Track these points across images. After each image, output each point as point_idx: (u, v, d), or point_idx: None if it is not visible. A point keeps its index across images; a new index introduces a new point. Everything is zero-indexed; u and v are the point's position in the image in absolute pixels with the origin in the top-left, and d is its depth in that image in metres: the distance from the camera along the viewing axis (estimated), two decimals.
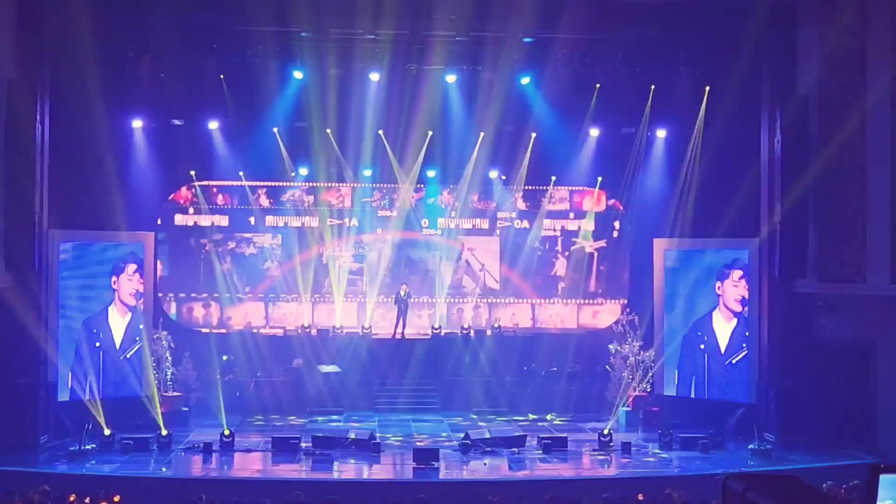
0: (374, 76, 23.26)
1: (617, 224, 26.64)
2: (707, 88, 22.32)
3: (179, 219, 25.90)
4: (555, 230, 26.85)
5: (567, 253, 26.83)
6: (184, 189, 25.77)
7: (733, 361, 22.03)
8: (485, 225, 26.85)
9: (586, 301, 26.77)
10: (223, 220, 26.09)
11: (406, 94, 23.39)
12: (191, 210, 25.90)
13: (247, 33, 21.72)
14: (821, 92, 20.13)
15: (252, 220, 26.12)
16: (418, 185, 26.43)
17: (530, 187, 26.55)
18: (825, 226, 20.17)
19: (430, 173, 26.05)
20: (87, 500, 14.95)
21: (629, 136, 24.39)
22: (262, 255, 26.29)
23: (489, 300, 26.85)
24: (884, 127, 19.22)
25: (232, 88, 22.89)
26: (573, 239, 26.79)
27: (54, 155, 20.54)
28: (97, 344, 21.54)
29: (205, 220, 25.93)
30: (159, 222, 25.29)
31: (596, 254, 26.78)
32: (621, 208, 26.41)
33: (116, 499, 15.36)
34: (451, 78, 23.48)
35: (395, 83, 23.34)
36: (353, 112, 23.82)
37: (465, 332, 25.39)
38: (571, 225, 26.84)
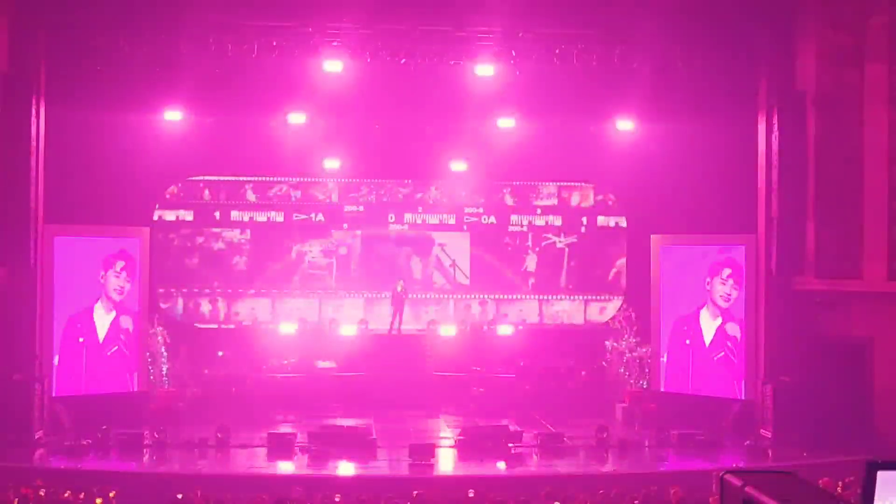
0: (369, 70, 23.13)
1: (585, 220, 26.59)
2: (704, 83, 22.22)
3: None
4: (522, 226, 26.79)
5: (538, 249, 26.81)
6: (172, 186, 25.72)
7: (714, 358, 22.08)
8: (452, 220, 26.78)
9: (594, 297, 26.69)
10: (188, 215, 25.93)
11: (400, 88, 23.27)
12: (156, 206, 25.72)
13: (244, 27, 21.62)
14: (819, 88, 20.11)
15: (217, 214, 25.99)
16: (406, 181, 26.40)
17: (518, 183, 26.53)
18: (823, 222, 20.16)
19: (424, 169, 25.95)
20: (82, 496, 14.90)
21: (626, 131, 24.33)
22: (230, 251, 26.18)
23: (496, 296, 26.77)
24: (882, 123, 19.21)
25: (228, 83, 22.75)
26: (544, 234, 26.76)
27: (50, 149, 20.48)
28: (80, 339, 21.47)
29: (169, 215, 25.77)
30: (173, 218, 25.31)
31: (567, 249, 26.75)
32: (610, 204, 26.41)
33: (112, 494, 15.32)
34: (446, 71, 23.33)
35: (390, 77, 23.23)
36: (347, 107, 23.73)
37: (462, 327, 25.36)
38: (539, 220, 26.76)
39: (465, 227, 26.75)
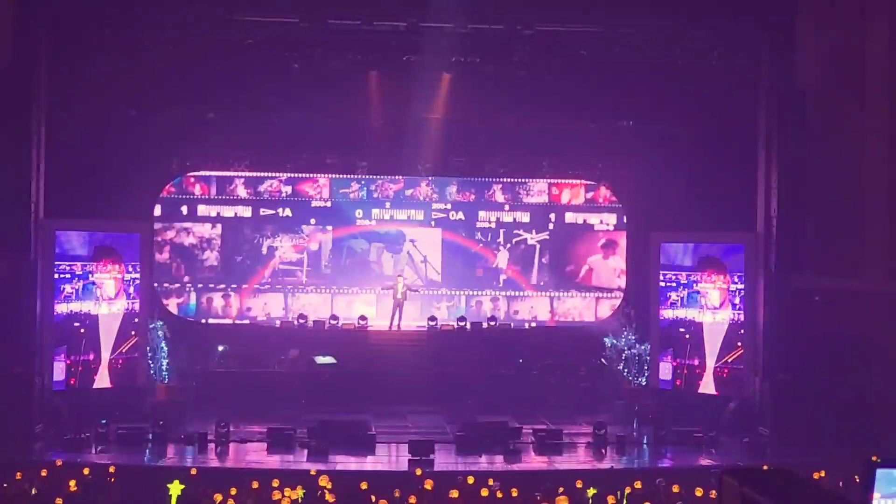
0: (370, 67, 23.15)
1: (553, 216, 26.57)
2: (704, 81, 22.26)
3: None
4: (490, 222, 26.74)
5: (509, 245, 26.76)
6: (172, 181, 25.71)
7: (728, 360, 22.11)
8: (420, 216, 26.73)
9: (604, 294, 26.64)
10: (157, 210, 25.68)
11: (399, 85, 23.27)
12: (157, 200, 25.59)
13: (244, 23, 21.64)
14: (819, 86, 20.14)
15: (184, 209, 25.81)
16: (397, 178, 26.36)
17: (509, 180, 26.49)
18: (822, 220, 20.20)
19: (421, 166, 25.89)
20: (75, 488, 14.93)
21: (625, 129, 24.34)
22: (200, 245, 26.13)
23: (508, 293, 26.70)
24: (881, 122, 19.24)
25: (228, 79, 22.77)
26: (514, 231, 26.70)
27: (51, 142, 20.48)
28: (82, 330, 21.50)
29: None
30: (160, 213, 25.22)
31: (538, 246, 26.72)
32: (600, 200, 26.42)
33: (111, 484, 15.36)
34: (446, 69, 23.33)
35: (389, 74, 23.23)
36: (346, 103, 23.73)
37: (461, 324, 25.35)
38: (507, 216, 26.69)
39: (432, 223, 26.66)
